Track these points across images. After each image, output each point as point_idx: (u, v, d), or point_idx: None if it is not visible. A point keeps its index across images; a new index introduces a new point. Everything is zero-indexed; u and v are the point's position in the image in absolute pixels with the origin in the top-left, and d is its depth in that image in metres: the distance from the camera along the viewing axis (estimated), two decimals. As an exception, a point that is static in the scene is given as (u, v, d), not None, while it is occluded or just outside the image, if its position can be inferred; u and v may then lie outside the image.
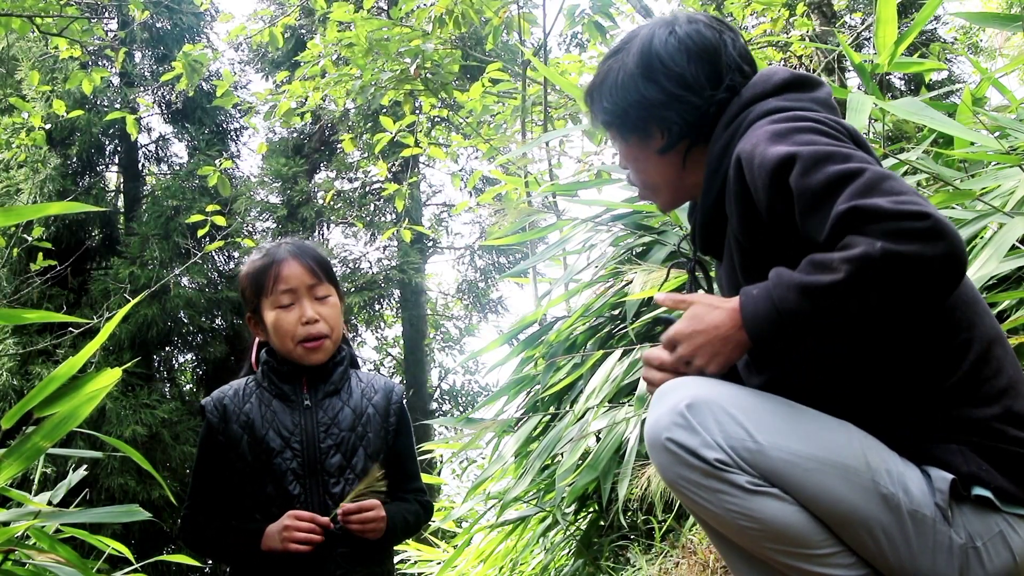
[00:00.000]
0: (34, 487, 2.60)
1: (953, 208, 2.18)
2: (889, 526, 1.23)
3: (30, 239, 6.93)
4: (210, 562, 10.32)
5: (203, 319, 11.19)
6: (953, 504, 1.23)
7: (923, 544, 1.23)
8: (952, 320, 1.30)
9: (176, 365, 11.86)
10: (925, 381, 1.28)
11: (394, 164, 8.45)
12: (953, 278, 1.13)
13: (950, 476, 1.23)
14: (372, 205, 12.83)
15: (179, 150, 12.70)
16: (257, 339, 2.04)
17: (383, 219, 12.84)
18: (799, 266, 1.20)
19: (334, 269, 2.07)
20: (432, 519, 2.14)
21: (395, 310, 13.98)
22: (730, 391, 1.29)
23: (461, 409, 14.80)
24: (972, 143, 2.30)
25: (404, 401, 2.08)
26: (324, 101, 6.49)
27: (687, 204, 1.60)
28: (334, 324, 1.97)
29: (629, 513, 3.05)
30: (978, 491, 1.24)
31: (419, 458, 2.20)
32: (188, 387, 11.63)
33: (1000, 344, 1.33)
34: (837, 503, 1.23)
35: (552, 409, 3.23)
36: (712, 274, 1.69)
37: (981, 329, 1.31)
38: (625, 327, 2.92)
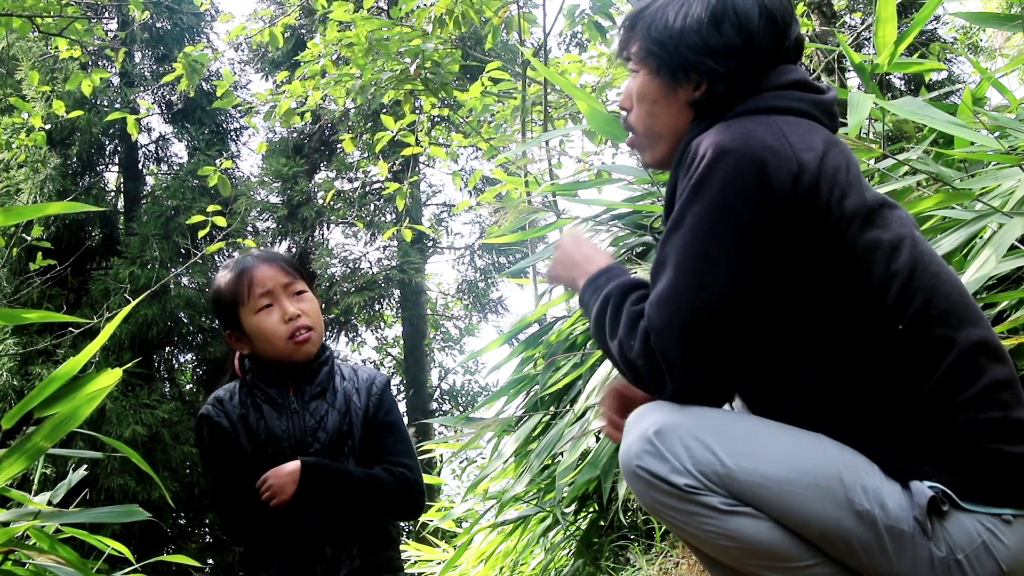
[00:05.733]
0: (34, 487, 2.60)
1: (953, 208, 2.18)
2: (868, 541, 1.23)
3: (30, 239, 6.92)
4: (211, 561, 10.33)
5: (203, 319, 11.19)
6: (933, 517, 1.22)
7: (903, 558, 1.23)
8: (932, 330, 1.29)
9: (176, 365, 11.86)
10: (898, 384, 1.28)
11: (394, 164, 8.44)
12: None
13: (929, 492, 1.22)
14: (372, 205, 12.82)
15: (179, 150, 12.72)
16: (238, 354, 2.02)
17: (383, 219, 12.83)
18: (635, 298, 1.37)
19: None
20: (425, 504, 2.11)
21: (395, 310, 13.97)
22: (700, 415, 1.29)
23: (461, 409, 14.79)
24: (972, 143, 2.30)
25: (387, 388, 2.06)
26: (324, 101, 6.48)
27: None
28: (316, 318, 1.98)
29: (629, 513, 3.05)
30: (963, 505, 1.23)
31: (419, 458, 2.18)
32: (188, 387, 11.63)
33: (983, 353, 1.30)
34: (811, 521, 1.24)
35: (552, 408, 3.23)
36: None
37: (963, 332, 1.29)
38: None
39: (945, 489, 1.23)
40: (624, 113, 1.55)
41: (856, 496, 1.23)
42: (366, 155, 11.85)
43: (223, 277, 2.00)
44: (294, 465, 1.89)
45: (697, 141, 1.35)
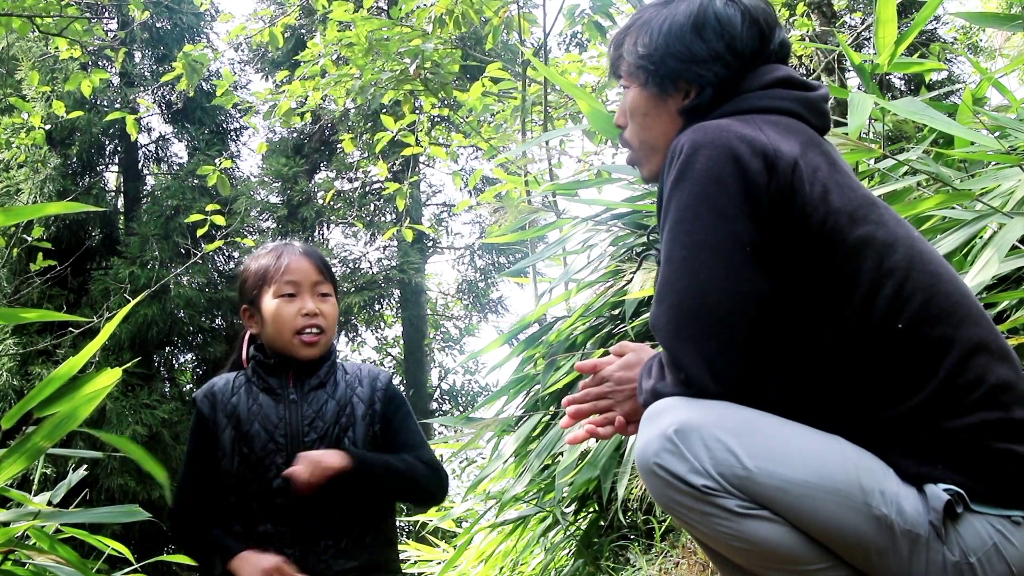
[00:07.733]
0: (34, 487, 2.61)
1: (953, 208, 2.18)
2: (884, 546, 1.23)
3: (30, 239, 6.93)
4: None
5: (203, 319, 11.19)
6: (947, 521, 1.22)
7: (916, 563, 1.23)
8: (930, 333, 1.28)
9: (176, 365, 11.85)
10: (903, 384, 1.27)
11: (394, 164, 8.45)
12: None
13: (945, 496, 1.22)
14: (372, 205, 12.83)
15: (179, 150, 12.71)
16: (248, 333, 2.04)
17: (383, 219, 12.84)
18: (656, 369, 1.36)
19: (333, 269, 2.09)
20: (446, 493, 2.10)
21: (395, 310, 13.98)
22: (720, 412, 1.27)
23: (461, 409, 14.78)
24: (972, 143, 2.30)
25: (392, 384, 2.07)
26: (324, 101, 6.49)
27: None
28: (332, 322, 2.01)
29: (629, 513, 3.05)
30: (975, 507, 1.23)
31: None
32: (188, 387, 11.62)
33: (985, 352, 1.29)
34: (828, 526, 1.23)
35: (552, 408, 3.23)
36: None
37: (964, 332, 1.29)
38: (625, 326, 2.92)
39: (959, 491, 1.22)
40: (621, 132, 1.57)
41: (874, 501, 1.23)
42: (366, 155, 11.85)
43: (260, 254, 2.04)
44: (338, 461, 1.85)
45: (676, 140, 1.37)
